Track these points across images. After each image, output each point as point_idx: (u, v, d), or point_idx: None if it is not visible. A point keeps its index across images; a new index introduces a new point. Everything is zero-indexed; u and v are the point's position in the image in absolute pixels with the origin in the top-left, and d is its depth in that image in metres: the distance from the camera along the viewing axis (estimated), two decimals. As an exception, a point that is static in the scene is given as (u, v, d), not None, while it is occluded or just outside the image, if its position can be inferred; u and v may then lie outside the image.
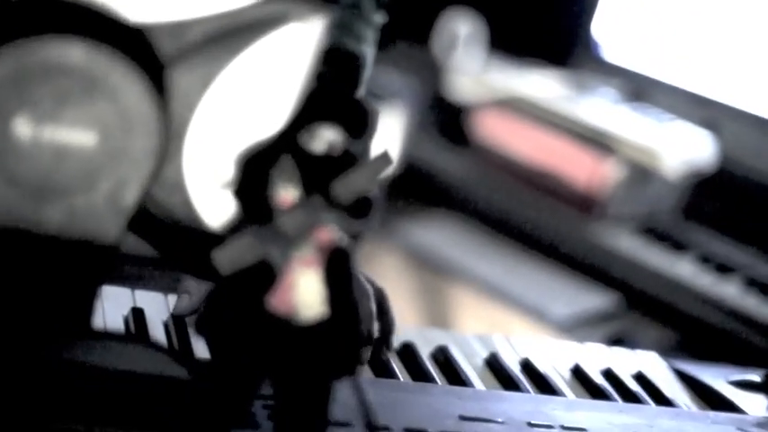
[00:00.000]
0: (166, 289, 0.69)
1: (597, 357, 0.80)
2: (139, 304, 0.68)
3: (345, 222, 0.51)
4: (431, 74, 1.68)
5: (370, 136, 0.52)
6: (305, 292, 0.51)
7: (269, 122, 0.52)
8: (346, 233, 0.51)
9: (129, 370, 0.52)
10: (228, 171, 0.52)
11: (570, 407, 0.68)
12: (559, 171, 1.49)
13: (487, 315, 1.39)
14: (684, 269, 1.37)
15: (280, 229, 0.50)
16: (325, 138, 0.51)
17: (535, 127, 1.53)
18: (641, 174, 1.47)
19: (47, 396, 0.50)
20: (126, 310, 0.66)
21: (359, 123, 0.51)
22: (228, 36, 0.50)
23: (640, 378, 0.77)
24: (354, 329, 0.51)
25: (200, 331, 0.53)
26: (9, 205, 0.50)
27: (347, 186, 0.51)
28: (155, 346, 0.54)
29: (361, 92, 0.54)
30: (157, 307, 0.68)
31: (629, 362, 0.80)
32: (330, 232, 0.51)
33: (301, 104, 0.52)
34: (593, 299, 1.38)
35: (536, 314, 1.37)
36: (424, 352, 0.74)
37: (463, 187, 1.57)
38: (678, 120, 1.51)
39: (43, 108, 0.48)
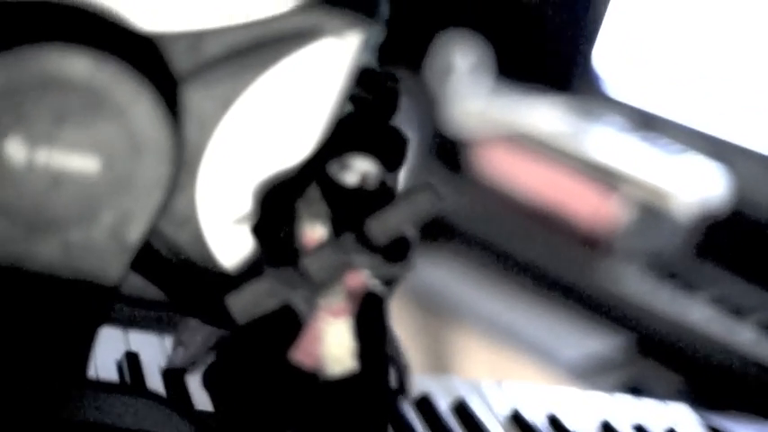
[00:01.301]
0: (163, 330, 0.63)
1: (625, 410, 0.74)
2: (134, 347, 0.61)
3: (379, 266, 0.45)
4: (426, 103, 1.63)
5: (406, 166, 0.46)
6: (333, 345, 0.45)
7: (295, 150, 0.46)
8: (380, 278, 0.45)
9: (128, 428, 0.46)
10: (247, 205, 0.46)
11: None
12: (564, 207, 1.44)
13: (493, 358, 1.34)
14: (697, 312, 1.32)
15: (304, 273, 0.44)
16: (359, 169, 0.45)
17: (538, 161, 1.48)
18: (649, 212, 1.42)
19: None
20: (119, 354, 0.60)
21: (396, 154, 0.45)
22: (252, 51, 0.44)
23: (673, 434, 0.72)
24: (386, 386, 0.45)
25: (209, 385, 0.46)
26: (0, 237, 0.44)
27: (383, 225, 0.45)
28: (155, 399, 0.47)
29: (397, 119, 0.48)
30: (153, 351, 0.62)
31: (659, 415, 0.75)
32: (362, 277, 0.45)
33: (332, 131, 0.45)
34: (603, 341, 1.33)
35: (544, 357, 1.32)
36: (442, 404, 0.68)
37: (464, 223, 1.51)
38: (689, 153, 1.46)
39: (39, 128, 0.42)
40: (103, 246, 0.45)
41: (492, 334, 1.38)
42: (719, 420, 0.77)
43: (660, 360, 1.31)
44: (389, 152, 0.45)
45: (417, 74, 1.66)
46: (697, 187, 1.43)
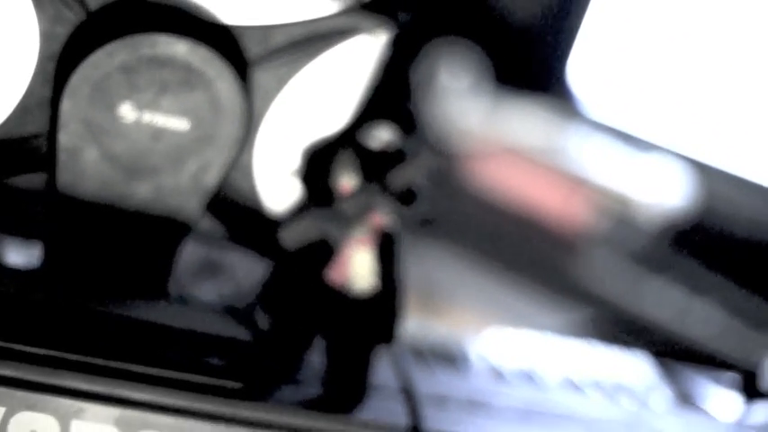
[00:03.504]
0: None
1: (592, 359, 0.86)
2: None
3: (396, 209, 0.59)
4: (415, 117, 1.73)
5: (418, 135, 0.60)
6: (359, 267, 0.59)
7: (335, 121, 0.60)
8: (396, 218, 0.59)
9: (195, 329, 0.59)
10: (297, 161, 0.60)
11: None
12: (539, 210, 1.57)
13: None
14: (656, 291, 1.45)
15: (340, 212, 0.58)
16: (382, 136, 0.59)
17: (519, 169, 1.61)
18: (616, 216, 1.55)
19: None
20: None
21: (410, 124, 0.60)
22: (306, 43, 0.58)
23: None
24: (398, 301, 0.59)
25: (262, 301, 0.60)
26: (105, 179, 0.57)
27: (399, 178, 0.59)
28: (221, 310, 0.61)
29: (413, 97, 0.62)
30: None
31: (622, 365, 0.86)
32: (383, 217, 0.59)
33: (363, 106, 0.60)
34: (569, 316, 1.47)
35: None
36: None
37: (455, 222, 1.64)
38: (657, 157, 1.58)
39: (146, 95, 0.56)
40: (187, 189, 0.59)
41: (478, 309, 1.51)
42: (680, 370, 0.89)
43: (619, 335, 1.44)
44: (406, 122, 0.60)
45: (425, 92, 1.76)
46: (662, 194, 1.56)
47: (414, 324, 0.80)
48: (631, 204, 1.55)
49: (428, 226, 0.60)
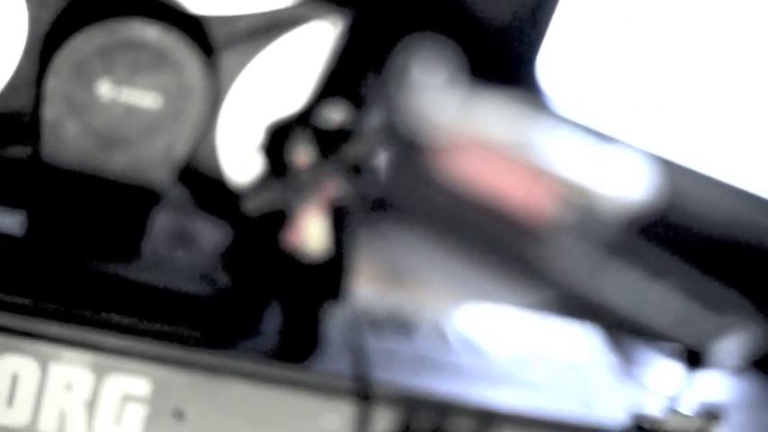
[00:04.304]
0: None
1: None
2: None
3: (348, 181, 0.66)
4: (387, 107, 1.78)
5: (371, 110, 0.67)
6: (312, 232, 0.65)
7: (293, 101, 0.67)
8: (348, 189, 0.66)
9: (164, 286, 0.66)
10: (258, 137, 0.66)
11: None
12: (506, 200, 1.64)
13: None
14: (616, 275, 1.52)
15: (296, 184, 0.65)
16: (336, 115, 0.66)
17: (488, 162, 1.68)
18: (579, 208, 1.62)
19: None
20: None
21: (362, 102, 0.66)
22: (265, 29, 0.65)
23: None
24: (346, 263, 0.66)
25: (224, 263, 0.67)
26: (85, 151, 0.64)
27: (349, 153, 0.65)
28: (187, 269, 0.68)
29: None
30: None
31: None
32: (336, 188, 0.65)
33: (319, 87, 0.66)
34: (532, 296, 1.54)
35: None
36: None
37: (424, 208, 1.70)
38: (621, 154, 1.64)
39: (121, 74, 0.62)
40: (159, 160, 0.65)
41: (442, 287, 1.58)
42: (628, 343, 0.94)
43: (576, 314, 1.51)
44: (358, 101, 0.66)
45: (380, 76, 1.82)
46: (626, 187, 1.63)
47: (372, 292, 0.87)
48: (595, 196, 1.61)
49: (383, 208, 0.67)
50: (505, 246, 1.62)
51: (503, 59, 1.82)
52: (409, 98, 1.75)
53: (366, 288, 0.87)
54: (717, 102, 1.60)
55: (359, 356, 0.67)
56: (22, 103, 0.64)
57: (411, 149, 1.67)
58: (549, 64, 1.74)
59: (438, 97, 1.77)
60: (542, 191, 1.63)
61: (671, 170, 1.62)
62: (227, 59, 0.65)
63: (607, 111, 1.69)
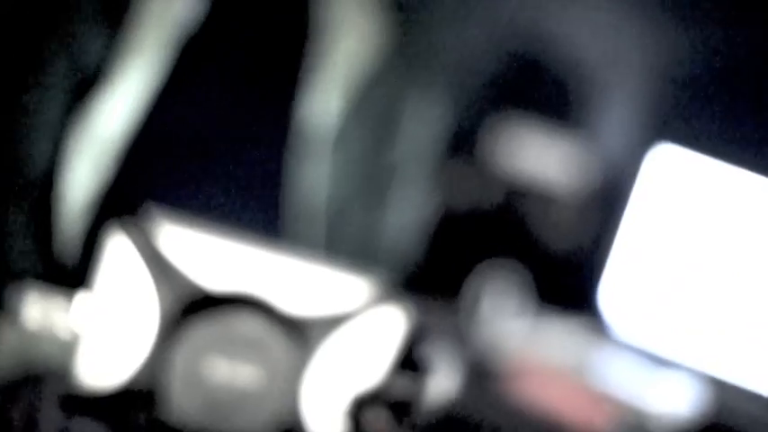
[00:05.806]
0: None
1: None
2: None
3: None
4: (459, 335, 1.79)
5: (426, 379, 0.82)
6: None
7: (370, 379, 0.82)
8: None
9: None
10: (344, 408, 0.82)
11: None
12: (567, 420, 1.75)
13: None
14: None
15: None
16: (401, 384, 0.81)
17: (553, 383, 1.80)
18: (632, 428, 1.73)
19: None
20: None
21: (421, 375, 0.81)
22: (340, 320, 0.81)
23: None
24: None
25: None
26: (198, 413, 0.80)
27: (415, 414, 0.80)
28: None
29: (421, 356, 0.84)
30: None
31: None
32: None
33: (392, 366, 0.82)
34: None
35: None
36: None
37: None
38: (673, 375, 1.76)
39: (229, 358, 0.78)
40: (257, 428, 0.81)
41: None
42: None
43: None
44: (418, 373, 0.82)
45: (453, 305, 1.85)
46: (676, 404, 1.73)
47: None
48: (648, 416, 1.73)
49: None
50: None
51: (566, 288, 1.95)
52: (482, 326, 1.87)
53: None
54: (757, 324, 1.73)
55: None
56: (148, 379, 0.80)
57: (481, 374, 1.77)
58: (608, 293, 1.88)
59: (509, 325, 1.89)
60: (601, 413, 1.74)
61: (717, 387, 1.73)
62: (306, 341, 0.80)
63: (660, 335, 1.83)
